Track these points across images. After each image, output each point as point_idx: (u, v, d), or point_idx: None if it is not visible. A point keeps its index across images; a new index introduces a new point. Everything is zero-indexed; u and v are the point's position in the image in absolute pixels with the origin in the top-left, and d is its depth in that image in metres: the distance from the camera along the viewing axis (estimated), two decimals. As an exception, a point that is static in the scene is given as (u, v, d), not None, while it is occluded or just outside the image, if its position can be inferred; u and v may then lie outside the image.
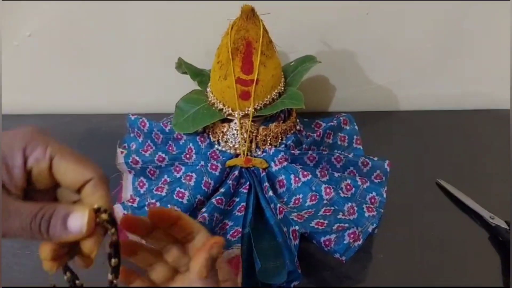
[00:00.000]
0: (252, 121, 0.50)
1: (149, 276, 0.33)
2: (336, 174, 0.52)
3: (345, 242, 0.43)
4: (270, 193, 0.48)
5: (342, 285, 0.45)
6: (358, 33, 0.65)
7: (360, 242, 0.43)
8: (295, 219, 0.45)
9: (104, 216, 0.27)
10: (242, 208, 0.48)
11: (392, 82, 0.72)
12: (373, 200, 0.49)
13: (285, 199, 0.50)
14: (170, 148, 0.55)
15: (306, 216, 0.46)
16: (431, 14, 0.63)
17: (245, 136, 0.51)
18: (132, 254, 0.32)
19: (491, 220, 0.50)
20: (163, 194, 0.48)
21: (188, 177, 0.49)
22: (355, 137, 0.60)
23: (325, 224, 0.44)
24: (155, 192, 0.49)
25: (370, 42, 0.66)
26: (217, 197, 0.47)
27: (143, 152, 0.52)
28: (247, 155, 0.51)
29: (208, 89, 0.54)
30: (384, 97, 0.73)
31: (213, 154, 0.52)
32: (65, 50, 0.67)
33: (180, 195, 0.48)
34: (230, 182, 0.49)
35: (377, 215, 0.46)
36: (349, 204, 0.47)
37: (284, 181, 0.51)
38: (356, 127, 0.60)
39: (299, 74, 0.54)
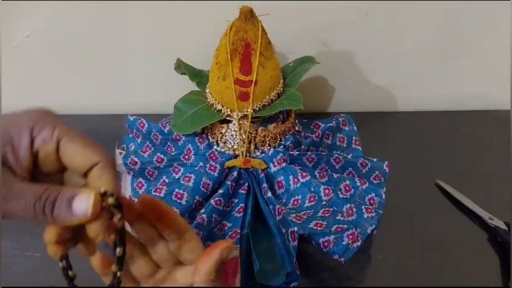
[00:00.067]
0: (251, 122, 0.50)
1: (129, 268, 0.32)
2: (335, 175, 0.52)
3: (344, 243, 0.43)
4: (269, 194, 0.48)
5: (341, 286, 0.45)
6: (357, 33, 0.65)
7: (359, 243, 0.43)
8: (294, 220, 0.44)
9: (110, 200, 0.26)
10: (241, 209, 0.48)
11: (391, 82, 0.71)
12: (372, 201, 0.49)
13: (284, 200, 0.50)
14: (169, 149, 0.55)
15: (305, 217, 0.46)
16: (431, 14, 0.63)
17: (244, 137, 0.51)
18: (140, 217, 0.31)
19: (490, 221, 0.50)
20: (162, 195, 0.48)
21: (186, 178, 0.49)
22: (354, 138, 0.60)
23: (324, 225, 0.44)
24: (153, 193, 0.48)
25: (369, 42, 0.66)
26: (216, 198, 0.47)
27: (141, 153, 0.52)
28: (246, 156, 0.51)
29: (207, 90, 0.54)
30: (383, 98, 0.73)
31: (211, 155, 0.52)
32: (63, 50, 0.67)
33: (179, 196, 0.48)
34: (229, 183, 0.49)
35: (376, 216, 0.46)
36: (348, 205, 0.46)
37: (283, 182, 0.51)
38: (355, 128, 0.60)
39: (298, 75, 0.54)
